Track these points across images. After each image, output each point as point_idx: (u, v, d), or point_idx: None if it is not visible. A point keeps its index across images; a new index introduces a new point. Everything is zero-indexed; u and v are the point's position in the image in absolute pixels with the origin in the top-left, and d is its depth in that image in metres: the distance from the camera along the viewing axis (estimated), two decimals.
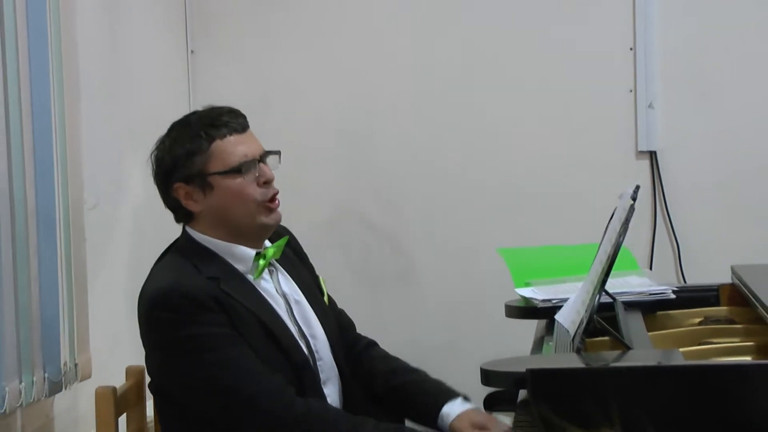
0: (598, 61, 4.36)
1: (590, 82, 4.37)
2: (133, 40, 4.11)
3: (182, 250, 3.10)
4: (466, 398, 3.15)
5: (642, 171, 4.30)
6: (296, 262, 3.26)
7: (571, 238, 3.89)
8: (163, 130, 4.20)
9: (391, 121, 4.38)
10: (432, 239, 4.40)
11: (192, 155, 3.00)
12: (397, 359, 3.36)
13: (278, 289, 3.12)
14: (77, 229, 3.61)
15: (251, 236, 3.07)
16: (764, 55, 4.28)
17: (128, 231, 4.09)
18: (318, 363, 3.12)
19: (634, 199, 2.94)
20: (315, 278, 3.32)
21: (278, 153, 3.11)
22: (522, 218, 4.35)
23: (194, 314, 2.90)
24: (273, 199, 3.07)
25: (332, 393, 3.14)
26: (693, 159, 4.32)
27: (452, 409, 3.11)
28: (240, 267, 3.05)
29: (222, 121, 3.04)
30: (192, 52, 4.51)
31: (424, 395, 3.20)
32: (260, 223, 3.05)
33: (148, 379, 3.37)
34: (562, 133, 4.37)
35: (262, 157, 3.06)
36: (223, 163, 3.00)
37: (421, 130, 4.36)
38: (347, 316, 3.41)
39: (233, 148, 3.02)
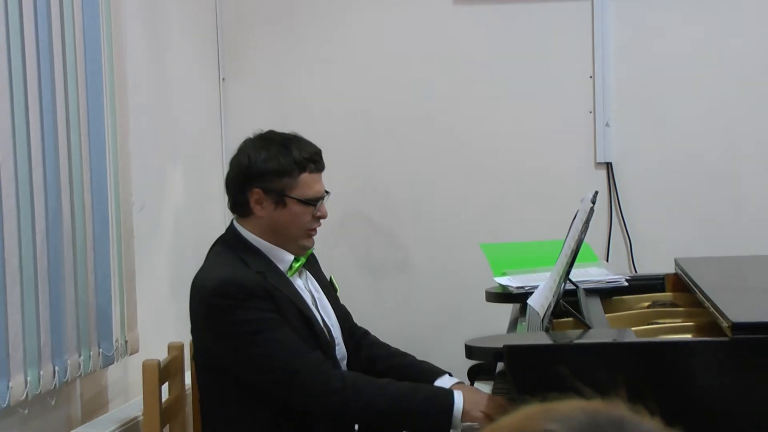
0: (563, 87, 4.37)
1: (557, 104, 4.38)
2: (173, 69, 4.12)
3: (230, 244, 3.18)
4: (450, 374, 3.27)
5: (600, 179, 4.32)
6: (315, 265, 3.37)
7: (541, 234, 3.96)
8: (198, 144, 4.29)
9: (390, 139, 4.38)
10: (424, 236, 4.42)
11: (282, 175, 3.10)
12: (388, 345, 3.47)
13: (305, 285, 3.24)
14: (127, 227, 3.62)
15: (290, 248, 3.17)
16: (701, 81, 4.29)
17: (170, 229, 4.10)
18: (336, 347, 3.23)
19: (593, 202, 3.01)
20: (328, 279, 3.42)
21: (329, 194, 3.22)
22: (499, 218, 4.36)
23: (248, 302, 3.00)
24: (315, 229, 3.20)
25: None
26: (642, 169, 4.34)
27: (444, 383, 3.21)
28: (279, 265, 3.15)
29: (314, 159, 3.15)
30: (223, 79, 4.53)
31: (420, 372, 3.30)
32: (301, 244, 3.19)
33: (187, 353, 3.47)
34: (533, 146, 4.38)
35: (324, 196, 3.18)
36: (302, 192, 3.12)
37: (415, 146, 4.38)
38: (345, 308, 3.46)
39: (313, 184, 3.14)
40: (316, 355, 3.02)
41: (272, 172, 3.11)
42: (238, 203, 3.18)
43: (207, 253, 3.26)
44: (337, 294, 3.43)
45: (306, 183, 3.14)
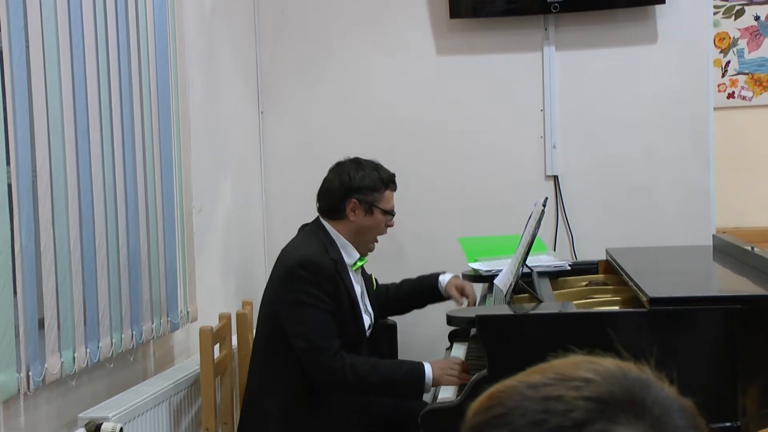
0: (521, 118, 4.35)
1: (516, 131, 4.35)
2: (223, 104, 4.12)
3: (316, 232, 3.21)
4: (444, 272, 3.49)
5: (549, 188, 4.30)
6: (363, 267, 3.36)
7: (504, 230, 3.95)
8: (242, 162, 4.31)
9: (390, 157, 4.26)
10: (415, 232, 4.40)
11: (372, 190, 3.18)
12: (399, 286, 3.60)
13: (357, 279, 3.25)
14: (188, 225, 3.63)
15: (360, 248, 3.23)
16: (624, 113, 4.28)
17: (221, 227, 4.08)
18: (370, 329, 3.28)
19: (543, 206, 3.03)
20: (370, 275, 3.45)
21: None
22: (472, 218, 4.34)
23: (318, 278, 3.03)
24: (378, 238, 3.26)
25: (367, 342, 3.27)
26: (581, 180, 4.32)
27: (444, 277, 3.42)
28: (347, 259, 3.15)
29: (393, 181, 3.26)
30: (261, 112, 4.52)
31: (424, 279, 3.52)
32: (369, 247, 3.29)
33: (234, 321, 3.45)
34: (498, 163, 4.36)
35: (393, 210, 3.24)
36: (384, 205, 3.20)
37: (409, 163, 4.33)
38: (381, 293, 3.51)
39: (391, 199, 3.25)
40: (338, 342, 3.03)
41: (367, 187, 3.17)
42: (336, 209, 3.21)
43: (296, 233, 3.30)
44: (375, 288, 3.45)
45: (387, 198, 3.23)
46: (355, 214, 3.17)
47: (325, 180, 3.27)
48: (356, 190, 3.17)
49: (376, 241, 3.28)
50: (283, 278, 3.09)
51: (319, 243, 3.14)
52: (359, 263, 3.24)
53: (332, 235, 3.18)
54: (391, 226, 3.28)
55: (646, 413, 0.81)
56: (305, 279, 3.02)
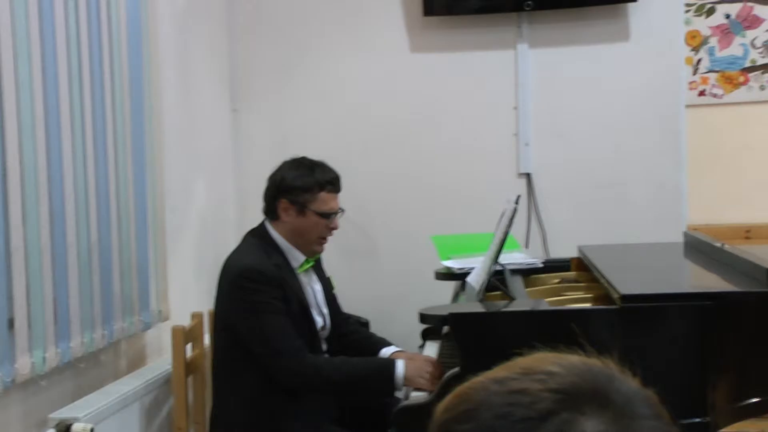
0: (494, 116, 4.36)
1: (489, 129, 4.36)
2: (196, 102, 4.10)
3: (259, 237, 3.17)
4: (393, 344, 3.33)
5: (521, 186, 4.31)
6: (319, 265, 3.34)
7: (477, 227, 3.92)
8: (215, 161, 4.28)
9: (364, 156, 4.37)
10: (388, 229, 4.41)
11: (305, 191, 3.11)
12: (358, 327, 3.52)
13: (308, 282, 3.22)
14: (161, 224, 3.61)
15: (304, 251, 3.16)
16: (595, 111, 4.28)
17: (194, 225, 4.07)
18: (325, 330, 3.24)
19: (516, 203, 3.02)
20: (328, 278, 3.40)
21: (344, 211, 3.22)
22: (446, 215, 4.34)
23: (264, 287, 2.99)
24: (326, 238, 3.18)
25: (326, 346, 3.26)
26: (553, 178, 4.33)
27: (386, 352, 3.26)
28: (292, 262, 3.13)
29: (332, 182, 3.16)
30: (234, 110, 4.50)
31: (373, 344, 3.35)
32: (313, 249, 3.19)
33: (206, 320, 3.43)
34: (472, 161, 4.36)
35: (337, 212, 3.17)
36: (319, 207, 3.12)
37: (383, 161, 4.36)
38: (337, 302, 3.44)
39: (329, 201, 3.14)
40: (299, 342, 3.01)
41: (298, 188, 3.12)
42: (270, 209, 3.19)
43: (240, 241, 3.26)
44: (333, 291, 3.42)
45: (323, 200, 3.14)
46: (287, 214, 3.14)
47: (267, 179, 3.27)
48: (287, 191, 3.13)
49: (321, 243, 3.21)
50: (229, 291, 3.08)
51: (260, 249, 3.12)
52: (306, 265, 3.20)
53: (274, 238, 3.16)
54: (334, 228, 3.21)
55: (610, 404, 0.82)
56: (250, 288, 3.00)
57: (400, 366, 2.93)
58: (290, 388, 3.04)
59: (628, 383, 0.86)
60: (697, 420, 2.39)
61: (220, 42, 4.44)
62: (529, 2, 4.15)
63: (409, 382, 2.92)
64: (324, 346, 3.26)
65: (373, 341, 3.39)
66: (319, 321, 3.21)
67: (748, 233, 5.01)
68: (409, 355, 3.13)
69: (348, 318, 3.50)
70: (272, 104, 4.49)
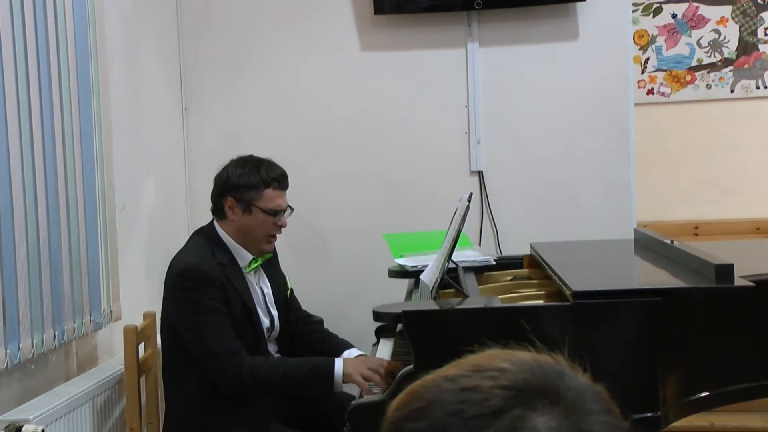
0: (445, 114, 4.36)
1: (441, 127, 4.36)
2: (146, 101, 4.08)
3: (207, 236, 3.15)
4: (355, 347, 3.31)
5: (474, 183, 4.30)
6: (274, 265, 3.31)
7: (429, 225, 3.95)
8: (166, 159, 4.25)
9: (315, 155, 4.36)
10: (340, 227, 4.40)
11: (250, 188, 3.09)
12: (321, 328, 3.46)
13: (256, 282, 3.19)
14: (111, 223, 3.58)
15: (252, 249, 3.13)
16: (545, 110, 4.31)
17: (144, 224, 4.05)
18: (273, 331, 3.20)
19: (468, 201, 3.03)
20: (283, 278, 3.36)
21: (293, 209, 3.19)
22: (398, 213, 4.34)
23: (204, 287, 2.97)
24: (275, 236, 3.15)
25: (276, 347, 3.25)
26: (505, 176, 4.34)
27: (351, 353, 3.21)
28: (240, 261, 3.10)
29: (279, 179, 3.13)
30: (185, 109, 4.47)
31: (336, 346, 3.31)
32: (261, 248, 3.16)
33: (158, 320, 3.41)
34: (424, 159, 4.36)
35: (285, 210, 3.13)
36: (265, 204, 3.09)
37: (334, 160, 4.35)
38: (297, 302, 3.43)
39: (276, 198, 3.12)
40: (236, 344, 2.98)
41: (243, 185, 3.10)
42: (217, 208, 3.16)
43: (188, 239, 3.23)
44: (288, 291, 3.39)
45: (269, 197, 3.12)
46: (233, 212, 3.12)
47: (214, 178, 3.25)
48: (232, 189, 3.12)
49: (270, 241, 3.19)
50: (171, 290, 3.07)
51: (205, 248, 3.10)
52: (254, 265, 3.18)
53: (222, 237, 3.14)
54: (282, 225, 3.19)
55: (561, 399, 0.83)
56: (190, 288, 2.98)
57: (339, 364, 2.92)
58: (226, 389, 3.01)
59: (579, 379, 0.87)
60: (648, 415, 2.41)
61: (169, 41, 4.41)
62: (479, 1, 4.16)
63: (349, 378, 2.90)
64: (273, 348, 3.24)
65: (336, 343, 3.36)
66: (265, 322, 3.18)
67: (696, 230, 5.08)
68: (365, 359, 3.09)
69: (308, 317, 3.47)
70: (223, 104, 4.47)
